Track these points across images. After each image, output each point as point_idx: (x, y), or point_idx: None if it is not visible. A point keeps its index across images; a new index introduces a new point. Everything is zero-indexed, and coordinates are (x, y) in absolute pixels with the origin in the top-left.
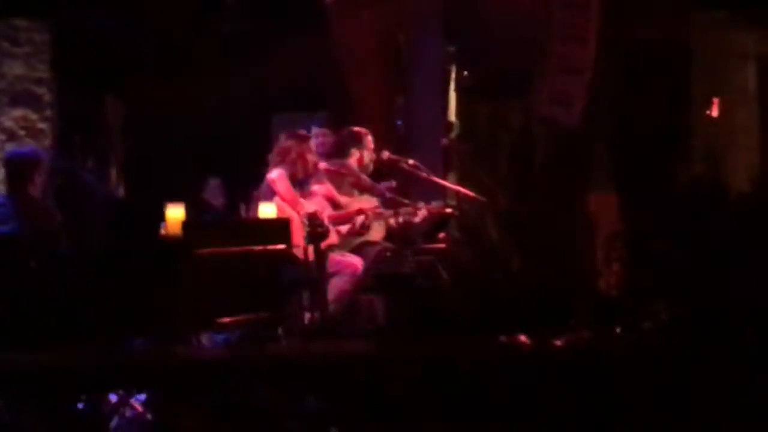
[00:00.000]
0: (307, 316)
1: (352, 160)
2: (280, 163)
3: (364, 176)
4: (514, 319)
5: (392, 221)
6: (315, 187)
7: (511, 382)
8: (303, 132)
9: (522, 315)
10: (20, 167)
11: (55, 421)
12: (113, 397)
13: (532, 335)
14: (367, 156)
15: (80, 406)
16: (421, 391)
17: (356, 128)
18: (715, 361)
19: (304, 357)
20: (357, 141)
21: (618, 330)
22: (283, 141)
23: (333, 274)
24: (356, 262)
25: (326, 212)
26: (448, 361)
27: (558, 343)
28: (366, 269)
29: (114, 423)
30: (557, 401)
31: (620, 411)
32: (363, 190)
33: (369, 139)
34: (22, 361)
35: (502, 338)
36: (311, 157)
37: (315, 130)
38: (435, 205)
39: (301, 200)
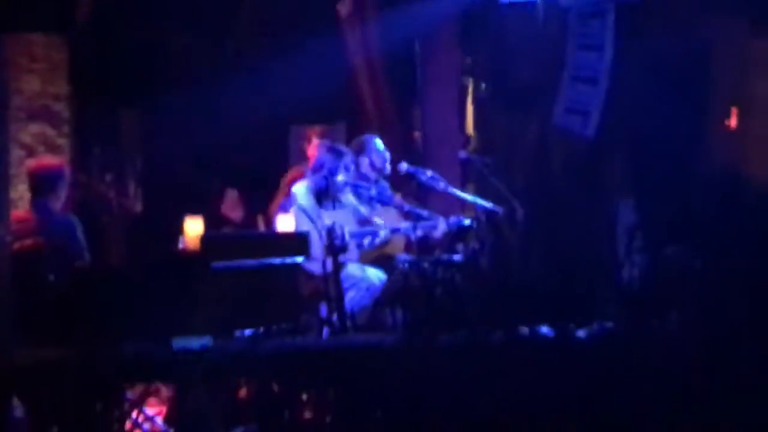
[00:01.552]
0: (326, 329)
1: (364, 168)
2: (314, 172)
3: (384, 185)
4: (536, 315)
5: (411, 235)
6: (342, 199)
7: (533, 374)
8: (342, 147)
9: (543, 311)
10: (45, 181)
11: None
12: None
13: (554, 327)
14: (377, 158)
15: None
16: (441, 383)
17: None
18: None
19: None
20: (360, 148)
21: (641, 321)
22: (319, 153)
23: (350, 288)
24: (374, 275)
25: (347, 227)
26: (468, 351)
27: (581, 334)
28: (386, 282)
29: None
30: (580, 392)
31: (645, 402)
32: (383, 202)
33: (374, 143)
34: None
35: (524, 330)
36: (344, 174)
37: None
38: (454, 219)
39: (324, 212)
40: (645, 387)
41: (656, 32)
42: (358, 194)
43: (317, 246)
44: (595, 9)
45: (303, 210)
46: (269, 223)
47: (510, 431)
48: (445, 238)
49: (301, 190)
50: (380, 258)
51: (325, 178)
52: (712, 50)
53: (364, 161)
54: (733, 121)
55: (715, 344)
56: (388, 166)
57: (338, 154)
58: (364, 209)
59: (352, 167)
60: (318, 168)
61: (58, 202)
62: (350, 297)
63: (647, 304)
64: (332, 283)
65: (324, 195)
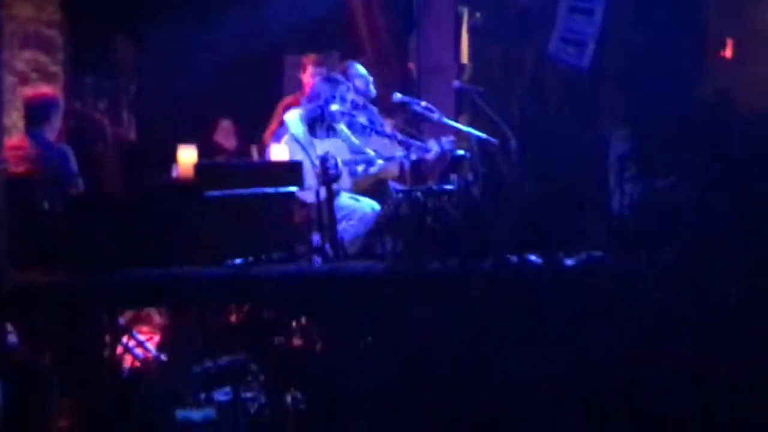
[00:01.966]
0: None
1: (349, 95)
2: (309, 100)
3: (372, 110)
4: (526, 243)
5: (405, 162)
6: (336, 128)
7: (521, 301)
8: (338, 77)
9: (534, 239)
10: (39, 110)
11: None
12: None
13: (543, 255)
14: (360, 82)
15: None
16: (429, 310)
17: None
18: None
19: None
20: (342, 75)
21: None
22: (315, 81)
23: (343, 218)
24: (367, 205)
25: (340, 155)
26: (456, 277)
27: (569, 262)
28: (378, 211)
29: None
30: (568, 320)
31: (632, 334)
32: (375, 131)
33: (354, 68)
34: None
35: (512, 258)
36: (337, 105)
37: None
38: (446, 141)
39: (317, 141)
40: (632, 319)
41: None
42: (350, 124)
43: (310, 175)
44: None
45: (295, 138)
46: (263, 152)
47: (496, 358)
48: (438, 161)
49: (293, 118)
50: (373, 186)
51: (321, 107)
52: None
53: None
54: (728, 52)
55: (705, 279)
56: (372, 89)
57: (334, 83)
58: (356, 140)
59: (349, 96)
60: (314, 97)
61: (52, 131)
62: (343, 227)
63: (637, 235)
64: (325, 212)
65: (318, 124)
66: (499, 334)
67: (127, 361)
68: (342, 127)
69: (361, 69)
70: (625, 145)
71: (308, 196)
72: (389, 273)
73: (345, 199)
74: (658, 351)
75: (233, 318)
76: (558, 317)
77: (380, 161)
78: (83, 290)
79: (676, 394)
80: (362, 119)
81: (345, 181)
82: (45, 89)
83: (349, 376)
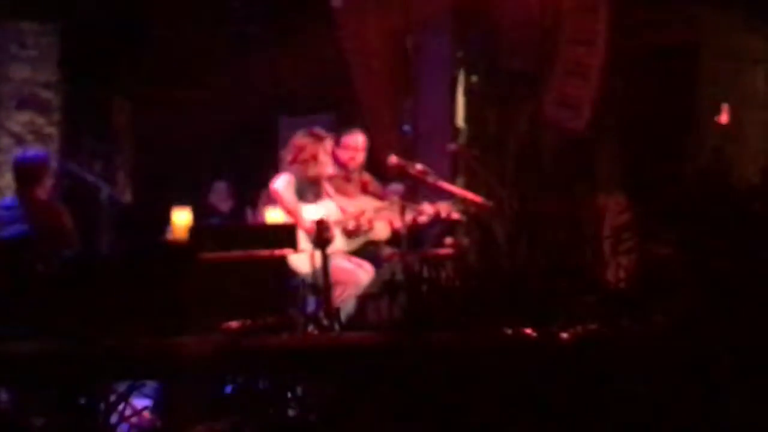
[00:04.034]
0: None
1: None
2: (292, 162)
3: (369, 178)
4: (521, 314)
5: (397, 223)
6: (328, 189)
7: (515, 375)
8: (320, 131)
9: (528, 309)
10: (29, 170)
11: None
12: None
13: (537, 328)
14: (344, 154)
15: (82, 401)
16: (420, 383)
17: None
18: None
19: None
20: (337, 141)
21: (626, 323)
22: (299, 138)
23: (336, 283)
24: (357, 268)
25: (331, 216)
26: (448, 351)
27: (564, 335)
28: (373, 276)
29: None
30: (562, 394)
31: (628, 405)
32: (369, 193)
33: (346, 137)
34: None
35: (507, 331)
36: (325, 158)
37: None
38: (441, 205)
39: (306, 206)
40: (627, 391)
41: (648, 26)
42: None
43: (302, 240)
44: (587, 2)
45: (283, 206)
46: (257, 215)
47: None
48: (434, 227)
49: (281, 186)
50: (365, 246)
51: (307, 162)
52: (703, 45)
53: (337, 153)
54: (723, 117)
55: (699, 351)
56: (353, 164)
57: (317, 138)
58: (344, 201)
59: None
60: (297, 154)
61: (43, 190)
62: (336, 292)
63: (633, 307)
64: (320, 277)
65: (305, 186)
66: (496, 407)
67: (125, 429)
68: (329, 187)
69: (352, 139)
70: (622, 211)
71: (301, 266)
72: (386, 345)
73: (338, 261)
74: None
75: (228, 386)
76: (553, 391)
77: (367, 212)
78: (76, 360)
79: None
80: (352, 183)
81: (338, 242)
82: (34, 149)
83: None
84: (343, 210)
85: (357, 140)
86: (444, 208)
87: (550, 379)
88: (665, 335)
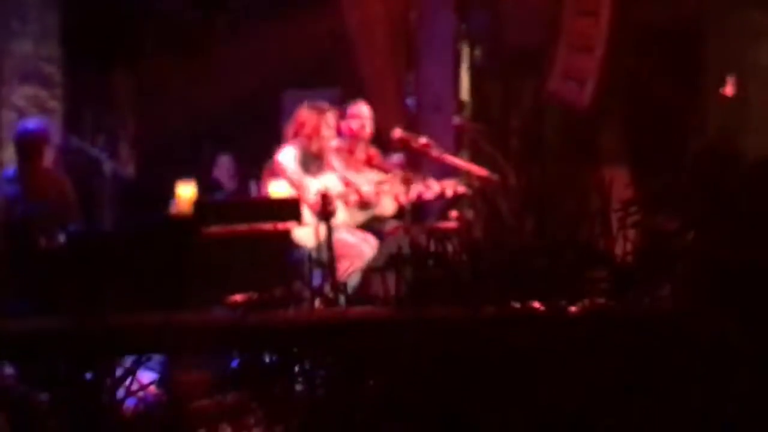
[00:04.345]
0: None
1: (345, 133)
2: (295, 136)
3: (374, 152)
4: (528, 288)
5: (403, 197)
6: (334, 163)
7: (523, 349)
8: (322, 104)
9: (536, 284)
10: (30, 142)
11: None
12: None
13: (545, 302)
14: (354, 123)
15: (88, 376)
16: (427, 356)
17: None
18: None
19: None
20: (342, 113)
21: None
22: (301, 112)
23: (340, 256)
24: (361, 242)
25: (334, 189)
26: (454, 325)
27: (572, 309)
28: (377, 250)
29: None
30: (569, 368)
31: (635, 378)
32: (374, 166)
33: (352, 107)
34: (32, 325)
35: (515, 305)
36: (327, 132)
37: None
38: (447, 182)
39: (310, 179)
40: (636, 365)
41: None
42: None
43: (307, 214)
44: None
45: (287, 178)
46: (261, 189)
47: (501, 411)
48: (439, 203)
49: (286, 158)
50: (371, 221)
51: (310, 135)
52: (708, 19)
53: (344, 125)
54: (728, 89)
55: (707, 323)
56: (364, 132)
57: (319, 112)
58: (349, 174)
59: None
60: (299, 128)
61: (45, 161)
62: (342, 265)
63: (640, 281)
64: (324, 250)
65: (308, 159)
66: (500, 384)
67: (131, 403)
68: (334, 159)
69: (360, 109)
70: (627, 185)
71: (305, 239)
72: (393, 319)
73: (342, 234)
74: (662, 399)
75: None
76: (562, 367)
77: (368, 185)
78: (81, 336)
79: None
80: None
81: (341, 215)
82: (34, 120)
83: (350, 422)
84: (347, 183)
85: (362, 109)
86: (450, 185)
87: (558, 354)
88: (671, 312)
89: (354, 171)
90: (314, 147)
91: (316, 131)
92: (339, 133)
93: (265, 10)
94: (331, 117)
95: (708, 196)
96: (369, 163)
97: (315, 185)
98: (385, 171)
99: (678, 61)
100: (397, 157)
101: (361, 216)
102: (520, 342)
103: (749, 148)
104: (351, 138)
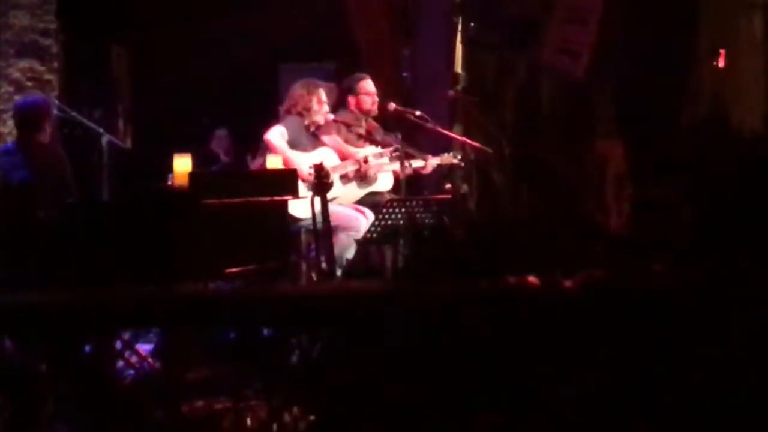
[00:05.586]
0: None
1: (351, 107)
2: (288, 113)
3: (375, 125)
4: (523, 262)
5: (400, 172)
6: (325, 138)
7: (518, 323)
8: (313, 81)
9: (531, 257)
10: (30, 116)
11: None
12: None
13: (541, 276)
14: (367, 100)
15: (87, 348)
16: (424, 331)
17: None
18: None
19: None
20: (350, 87)
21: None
22: (295, 89)
23: (335, 228)
24: (357, 214)
25: (330, 163)
26: (452, 299)
27: (568, 283)
28: (373, 222)
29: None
30: (565, 342)
31: (631, 351)
32: (372, 141)
33: (364, 84)
34: (30, 300)
35: (511, 279)
36: (318, 107)
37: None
38: (444, 156)
39: (304, 154)
40: (633, 337)
41: None
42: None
43: (301, 189)
44: None
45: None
46: (257, 162)
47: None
48: (434, 175)
49: (273, 136)
50: (368, 196)
51: (300, 114)
52: None
53: (353, 101)
54: (721, 62)
55: (704, 292)
56: (375, 109)
57: (311, 89)
58: (348, 147)
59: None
60: (292, 105)
61: (45, 135)
62: (338, 238)
63: (635, 251)
64: (319, 223)
65: (302, 135)
66: (497, 358)
67: (129, 374)
68: (336, 137)
69: (369, 85)
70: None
71: (301, 212)
72: (389, 293)
73: (337, 207)
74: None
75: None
76: (558, 340)
77: (364, 153)
78: (80, 309)
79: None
80: (361, 130)
81: (339, 191)
82: (35, 95)
83: (348, 396)
84: (342, 156)
85: (371, 85)
86: (446, 160)
87: (553, 326)
88: (665, 283)
89: (353, 146)
90: (307, 123)
91: (307, 110)
92: (349, 108)
93: None
94: (323, 93)
95: (701, 170)
96: (369, 137)
97: (310, 159)
98: (384, 145)
99: (671, 33)
100: (394, 136)
101: (359, 191)
102: (515, 315)
103: (742, 117)
104: (365, 113)
